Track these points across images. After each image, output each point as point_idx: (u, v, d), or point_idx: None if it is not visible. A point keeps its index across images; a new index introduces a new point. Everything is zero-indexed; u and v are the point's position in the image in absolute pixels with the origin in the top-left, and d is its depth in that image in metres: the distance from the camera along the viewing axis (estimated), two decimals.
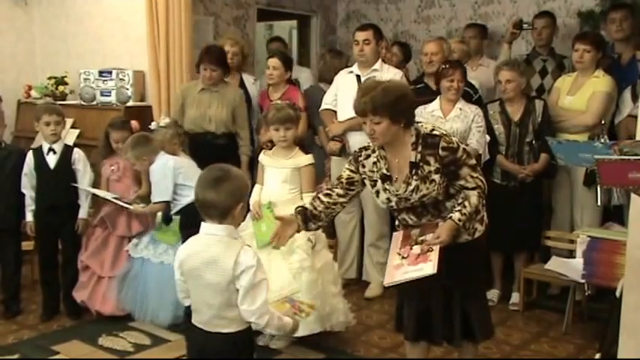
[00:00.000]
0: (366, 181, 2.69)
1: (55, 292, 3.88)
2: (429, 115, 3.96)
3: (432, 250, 2.56)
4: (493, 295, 4.14)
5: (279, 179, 3.47)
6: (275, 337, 3.42)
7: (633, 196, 2.59)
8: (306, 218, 2.68)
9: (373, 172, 2.65)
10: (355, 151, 2.74)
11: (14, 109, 5.03)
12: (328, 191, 2.72)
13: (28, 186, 3.77)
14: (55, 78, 4.94)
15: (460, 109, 3.94)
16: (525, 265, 4.08)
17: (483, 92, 4.51)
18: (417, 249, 2.61)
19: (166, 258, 3.68)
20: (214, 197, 2.12)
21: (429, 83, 4.32)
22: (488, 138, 4.00)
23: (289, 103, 3.70)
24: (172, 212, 3.66)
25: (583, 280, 3.56)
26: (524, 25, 4.69)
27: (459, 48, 4.68)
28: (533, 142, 3.97)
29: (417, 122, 2.66)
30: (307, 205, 2.71)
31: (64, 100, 4.87)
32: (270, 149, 3.63)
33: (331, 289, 3.45)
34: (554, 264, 3.81)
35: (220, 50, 4.34)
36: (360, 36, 4.21)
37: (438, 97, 3.99)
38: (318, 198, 2.72)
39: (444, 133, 2.60)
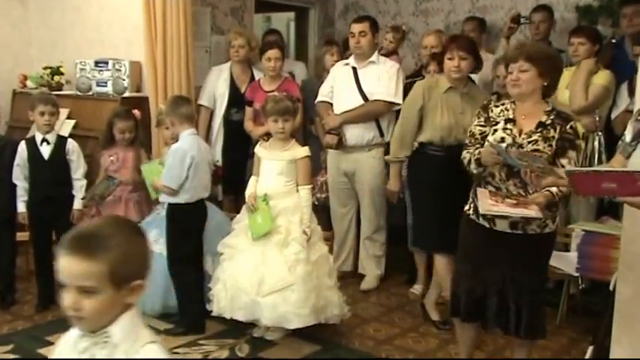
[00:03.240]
0: (488, 128, 2.77)
1: (50, 283, 3.86)
2: None
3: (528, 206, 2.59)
4: None
5: (275, 171, 3.46)
6: (270, 328, 3.43)
7: None
8: None
9: (499, 116, 2.76)
10: (485, 103, 2.86)
11: (9, 99, 5.02)
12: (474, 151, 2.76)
13: (20, 177, 3.75)
14: (50, 68, 4.91)
15: None
16: None
17: (481, 86, 4.50)
18: (510, 202, 2.65)
19: (156, 247, 3.67)
20: None
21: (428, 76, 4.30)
22: None
23: (287, 94, 3.69)
24: (163, 201, 3.61)
25: (577, 274, 3.57)
26: (522, 20, 4.68)
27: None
28: None
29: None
30: None
31: (59, 90, 4.84)
32: (267, 141, 3.62)
33: (326, 282, 3.45)
34: None
35: (471, 38, 3.81)
36: (356, 28, 4.20)
37: None
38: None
39: None
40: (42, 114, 3.69)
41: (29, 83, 5.01)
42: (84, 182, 3.82)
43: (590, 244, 3.52)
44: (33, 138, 3.77)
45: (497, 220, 2.74)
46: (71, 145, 3.79)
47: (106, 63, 4.60)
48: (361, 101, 4.18)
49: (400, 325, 3.74)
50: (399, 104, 4.17)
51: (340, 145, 4.21)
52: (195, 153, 3.47)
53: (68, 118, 4.60)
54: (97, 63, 4.64)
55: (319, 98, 4.36)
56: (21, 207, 3.77)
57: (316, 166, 4.28)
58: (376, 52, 4.27)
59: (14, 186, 3.77)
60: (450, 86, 3.47)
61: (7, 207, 3.80)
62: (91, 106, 4.60)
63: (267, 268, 3.32)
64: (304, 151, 3.50)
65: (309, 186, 3.51)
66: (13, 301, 3.90)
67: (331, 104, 4.30)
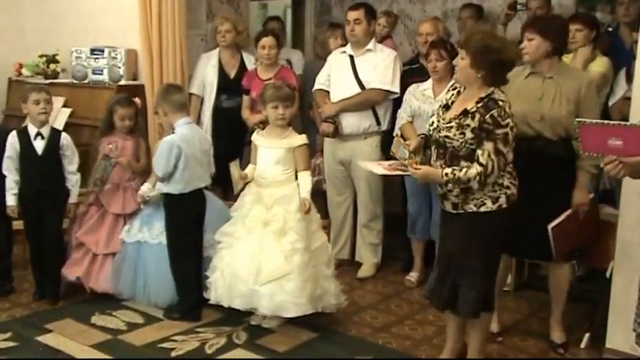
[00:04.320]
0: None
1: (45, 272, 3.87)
2: (420, 94, 3.94)
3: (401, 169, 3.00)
4: None
5: (273, 160, 3.45)
6: (267, 316, 3.44)
7: (625, 178, 2.60)
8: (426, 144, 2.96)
9: (445, 99, 2.87)
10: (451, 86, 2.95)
11: (5, 88, 4.99)
12: None
13: (11, 168, 3.67)
14: (46, 56, 4.88)
15: None
16: None
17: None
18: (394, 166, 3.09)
19: (163, 238, 3.66)
20: None
21: (425, 63, 4.28)
22: None
23: (284, 82, 3.67)
24: (157, 192, 3.61)
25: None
26: (519, 7, 4.66)
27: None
28: None
29: (497, 93, 2.70)
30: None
31: (55, 78, 4.81)
32: (263, 129, 3.61)
33: (324, 272, 3.47)
34: None
35: (554, 19, 3.48)
36: (351, 15, 4.17)
37: (432, 77, 3.97)
38: None
39: (507, 110, 2.65)
40: (37, 102, 3.63)
41: (25, 71, 4.98)
42: (78, 176, 3.77)
43: None
44: (26, 130, 3.68)
45: (445, 202, 2.83)
46: (65, 139, 3.73)
47: (102, 51, 4.57)
48: (358, 89, 4.17)
49: (397, 313, 3.76)
50: (395, 92, 4.17)
51: (336, 133, 4.20)
52: (183, 144, 3.45)
53: (64, 106, 4.58)
54: (92, 51, 4.61)
55: (316, 86, 4.34)
56: (11, 200, 3.67)
57: (312, 148, 4.26)
58: (373, 40, 4.25)
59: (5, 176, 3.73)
60: (532, 71, 3.15)
61: (2, 197, 3.74)
62: (87, 95, 4.58)
63: (265, 256, 3.32)
64: (302, 139, 3.49)
65: (308, 172, 3.51)
66: (11, 289, 3.90)
67: (328, 92, 4.29)
